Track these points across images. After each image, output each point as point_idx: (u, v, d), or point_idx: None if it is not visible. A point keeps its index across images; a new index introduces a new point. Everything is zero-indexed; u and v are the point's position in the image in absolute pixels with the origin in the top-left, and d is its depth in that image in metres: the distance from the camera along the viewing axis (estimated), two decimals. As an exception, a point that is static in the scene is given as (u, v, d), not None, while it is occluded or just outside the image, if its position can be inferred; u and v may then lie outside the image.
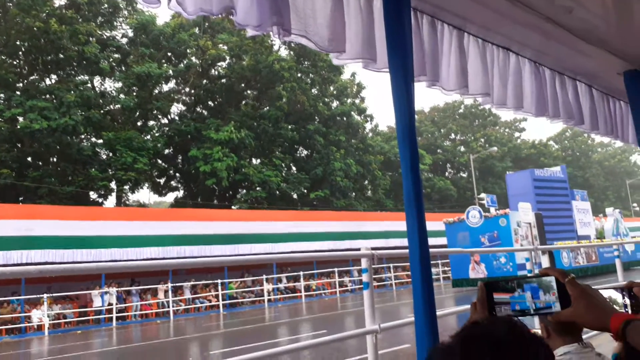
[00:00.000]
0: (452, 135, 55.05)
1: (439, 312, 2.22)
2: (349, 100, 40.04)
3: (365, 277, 3.30)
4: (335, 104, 39.14)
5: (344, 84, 39.43)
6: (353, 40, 2.01)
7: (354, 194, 37.92)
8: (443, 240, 22.00)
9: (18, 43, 27.45)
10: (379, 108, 73.72)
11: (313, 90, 37.29)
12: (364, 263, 3.29)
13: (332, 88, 39.36)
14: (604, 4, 2.36)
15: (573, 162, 57.90)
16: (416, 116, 2.13)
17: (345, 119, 38.45)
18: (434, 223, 19.62)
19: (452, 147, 52.54)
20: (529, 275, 1.01)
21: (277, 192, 32.49)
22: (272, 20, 1.69)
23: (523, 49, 2.72)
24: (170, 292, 19.72)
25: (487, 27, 2.48)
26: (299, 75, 35.85)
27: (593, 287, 0.95)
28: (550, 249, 18.64)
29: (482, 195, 23.94)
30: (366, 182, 40.54)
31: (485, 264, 19.65)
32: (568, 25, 2.47)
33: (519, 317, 0.91)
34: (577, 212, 25.39)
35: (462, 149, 52.89)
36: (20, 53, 28.39)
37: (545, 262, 19.21)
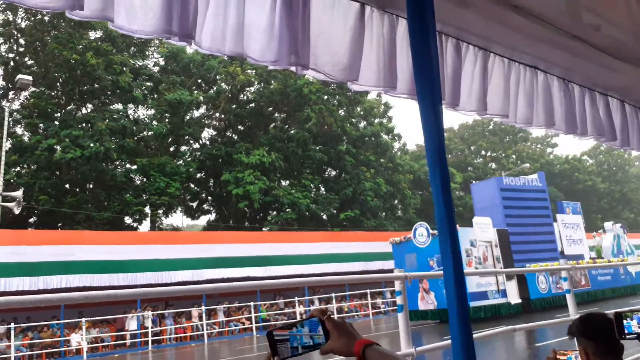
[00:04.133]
0: (483, 152, 54.33)
1: (476, 334, 2.20)
2: (376, 120, 40.12)
3: (399, 300, 3.29)
4: (362, 124, 39.26)
5: (370, 104, 39.58)
6: (373, 68, 2.05)
7: (384, 213, 37.68)
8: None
9: (56, 75, 28.63)
10: (407, 126, 73.59)
11: (340, 112, 37.53)
12: (397, 285, 3.29)
13: (358, 109, 39.54)
14: (632, 19, 2.35)
15: (609, 176, 56.23)
16: (445, 134, 2.15)
17: (373, 139, 38.49)
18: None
19: (483, 165, 51.81)
20: (301, 319, 1.12)
21: (307, 213, 32.55)
22: (289, 59, 1.75)
23: (551, 67, 2.72)
24: (204, 315, 19.83)
25: (513, 47, 2.50)
26: (326, 97, 36.18)
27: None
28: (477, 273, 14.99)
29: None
30: (396, 201, 40.26)
31: (435, 292, 16.29)
32: (596, 42, 2.47)
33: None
34: (564, 228, 21.16)
35: (494, 166, 52.08)
36: (58, 84, 29.57)
37: (511, 289, 16.61)
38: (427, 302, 16.52)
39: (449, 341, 2.22)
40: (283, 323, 1.15)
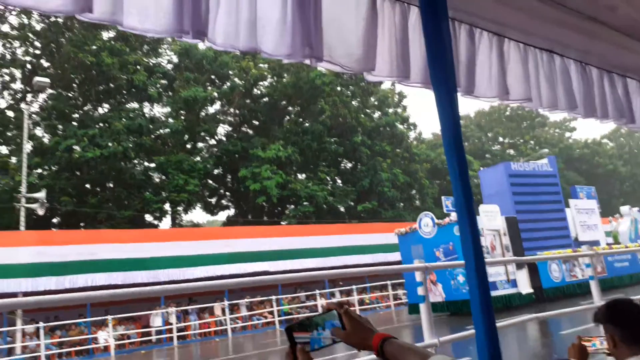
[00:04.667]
0: (500, 139, 53.70)
1: (499, 324, 2.19)
2: (390, 110, 39.89)
3: (420, 291, 3.29)
4: (377, 114, 39.07)
5: (384, 94, 39.35)
6: (386, 58, 2.04)
7: (402, 204, 37.54)
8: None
9: (72, 76, 29.01)
10: (422, 115, 73.02)
11: (354, 103, 37.39)
12: (418, 276, 3.29)
13: (372, 99, 39.34)
14: (650, -2, 2.30)
15: (631, 159, 55.16)
16: (461, 121, 2.13)
17: (389, 129, 38.30)
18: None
19: (501, 151, 51.23)
20: (318, 313, 1.12)
21: (324, 206, 32.60)
22: (303, 51, 1.75)
23: (567, 50, 2.68)
24: (227, 310, 20.03)
25: (528, 31, 2.46)
26: (339, 88, 36.07)
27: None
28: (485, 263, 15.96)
29: (443, 198, 19.61)
30: (414, 191, 40.07)
31: (442, 284, 16.01)
32: (613, 23, 2.42)
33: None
34: (577, 214, 20.19)
35: (512, 152, 51.47)
36: (75, 85, 29.96)
37: (522, 278, 16.12)
38: (435, 294, 16.03)
39: (472, 331, 2.21)
40: (301, 318, 1.16)
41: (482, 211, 16.30)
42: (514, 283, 16.04)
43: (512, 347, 8.88)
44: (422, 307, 3.30)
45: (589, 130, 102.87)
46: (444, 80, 1.89)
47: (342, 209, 34.99)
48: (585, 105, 2.77)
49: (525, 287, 16.31)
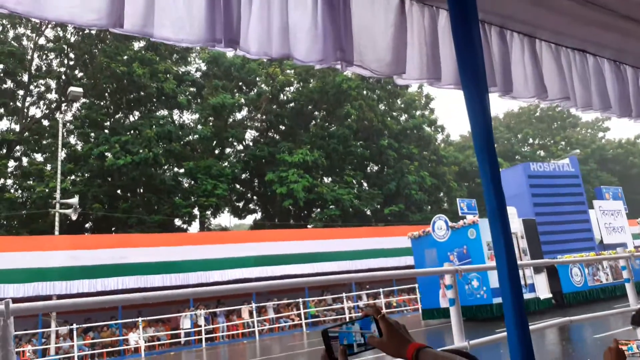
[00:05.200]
0: (530, 140, 52.70)
1: (532, 326, 2.17)
2: (418, 113, 39.63)
3: (450, 294, 3.27)
4: (403, 117, 38.86)
5: (411, 97, 39.12)
6: (416, 61, 2.05)
7: (429, 207, 37.20)
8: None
9: (104, 85, 29.77)
10: (450, 117, 72.27)
11: (380, 106, 37.27)
12: (448, 279, 3.27)
13: (399, 102, 39.15)
14: (687, -6, 2.25)
15: (668, 159, 53.40)
16: (491, 124, 2.12)
17: (416, 131, 38.05)
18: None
19: (531, 153, 50.27)
20: (355, 317, 1.13)
21: (351, 210, 32.55)
22: (335, 55, 1.77)
23: (601, 49, 2.64)
24: (254, 312, 20.18)
25: (560, 32, 2.43)
26: (365, 92, 36.03)
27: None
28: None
29: (458, 200, 19.11)
30: (441, 194, 39.66)
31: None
32: (649, 21, 2.37)
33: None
34: (602, 215, 19.45)
35: (542, 153, 50.44)
36: (106, 94, 30.72)
37: (540, 282, 15.48)
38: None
39: (504, 334, 2.19)
40: (337, 322, 1.16)
41: None
42: (531, 288, 15.56)
43: (544, 351, 8.70)
44: (453, 310, 3.28)
45: (623, 130, 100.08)
46: (475, 82, 1.89)
47: (368, 212, 34.87)
48: (620, 105, 2.72)
49: (543, 292, 15.73)
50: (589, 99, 2.61)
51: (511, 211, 15.90)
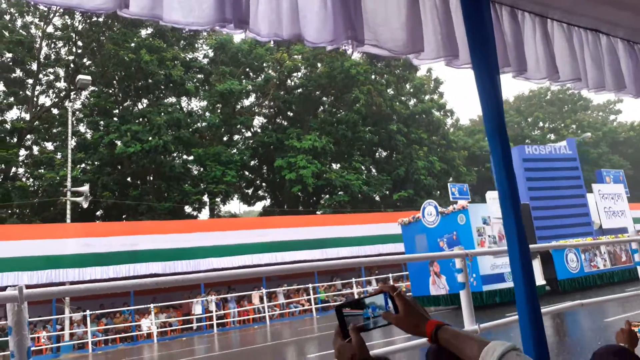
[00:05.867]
0: (540, 124, 52.18)
1: (544, 310, 2.16)
2: (426, 97, 39.34)
3: (460, 277, 3.26)
4: (412, 102, 38.61)
5: (420, 81, 38.80)
6: (432, 40, 2.02)
7: (438, 192, 37.10)
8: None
9: (112, 73, 29.83)
10: (459, 101, 71.75)
11: (389, 91, 37.03)
12: (458, 263, 3.26)
13: (408, 86, 38.86)
14: None
15: (682, 142, 52.65)
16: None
17: (425, 116, 37.81)
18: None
19: (541, 136, 49.82)
20: (368, 293, 1.15)
21: (360, 195, 32.55)
22: (347, 34, 1.74)
23: (614, 28, 2.58)
24: (265, 298, 20.36)
25: (572, 11, 2.38)
26: (374, 77, 35.78)
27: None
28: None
29: (449, 185, 18.54)
30: (451, 179, 39.52)
31: (447, 276, 14.94)
32: (664, -2, 2.31)
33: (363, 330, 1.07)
34: (601, 199, 18.69)
35: (552, 137, 49.97)
36: (115, 82, 30.79)
37: (534, 268, 14.98)
38: (439, 286, 15.20)
39: (515, 317, 2.18)
40: (352, 298, 1.17)
41: (488, 198, 15.22)
42: None
43: (554, 334, 8.71)
44: (462, 293, 3.28)
45: (636, 113, 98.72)
46: (485, 61, 1.86)
47: (377, 198, 34.85)
48: (635, 85, 2.67)
49: (537, 278, 14.94)
50: (602, 79, 2.57)
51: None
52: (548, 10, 2.35)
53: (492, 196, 15.16)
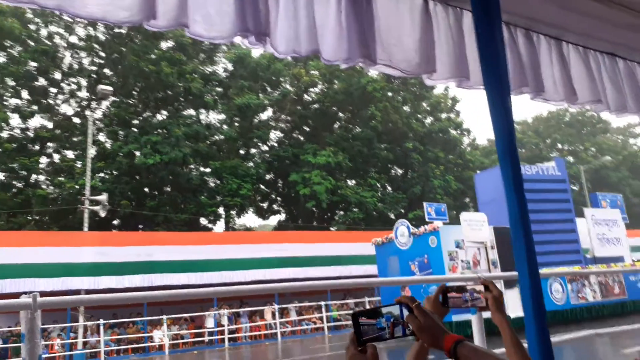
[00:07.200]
0: (559, 146, 51.56)
1: (554, 339, 2.11)
2: (443, 116, 39.23)
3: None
4: (429, 120, 38.52)
5: (437, 99, 38.76)
6: (445, 60, 2.03)
7: (454, 212, 36.76)
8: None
9: (133, 83, 30.36)
10: (476, 120, 71.32)
11: (405, 108, 37.02)
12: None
13: (425, 104, 38.82)
14: None
15: None
16: (518, 127, 2.08)
17: (441, 134, 37.66)
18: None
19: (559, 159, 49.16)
20: (385, 304, 1.12)
21: (374, 213, 32.40)
22: (361, 52, 1.77)
23: (632, 53, 2.56)
24: (277, 314, 20.25)
25: (588, 35, 2.37)
26: (390, 94, 35.84)
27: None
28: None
29: (425, 204, 17.18)
30: (467, 199, 39.15)
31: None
32: (682, 23, 2.29)
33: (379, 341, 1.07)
34: (594, 225, 17.23)
35: (571, 159, 49.30)
36: (135, 92, 31.31)
37: (512, 299, 12.93)
38: None
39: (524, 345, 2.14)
40: (370, 307, 1.17)
41: (463, 220, 14.25)
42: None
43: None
44: (474, 318, 3.23)
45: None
46: (497, 82, 1.86)
47: (392, 216, 34.62)
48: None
49: (514, 309, 13.94)
50: (623, 101, 2.55)
51: (480, 218, 14.66)
52: (563, 34, 2.35)
53: (467, 218, 14.36)
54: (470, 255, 14.21)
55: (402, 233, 15.12)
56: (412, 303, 1.09)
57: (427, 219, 15.68)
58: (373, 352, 1.04)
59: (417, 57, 1.93)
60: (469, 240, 14.15)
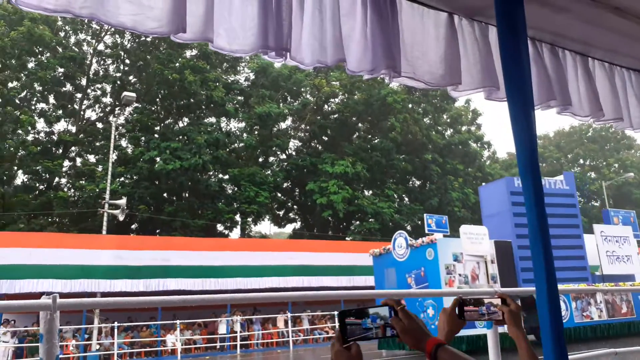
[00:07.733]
0: (581, 161, 50.81)
1: (571, 357, 2.08)
2: (464, 128, 38.99)
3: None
4: (449, 132, 38.31)
5: (457, 112, 38.55)
6: (472, 71, 2.03)
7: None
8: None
9: (156, 91, 30.84)
10: (497, 133, 70.79)
11: (425, 120, 36.90)
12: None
13: (445, 116, 38.65)
14: None
15: None
16: (540, 141, 2.07)
17: (461, 147, 37.41)
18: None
19: (581, 174, 48.41)
20: (374, 305, 1.16)
21: (391, 224, 32.23)
22: (385, 64, 1.78)
23: (658, 69, 2.53)
24: (289, 322, 20.22)
25: (614, 51, 2.36)
26: (410, 105, 35.77)
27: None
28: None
29: (426, 215, 16.82)
30: (485, 212, 38.69)
31: None
32: None
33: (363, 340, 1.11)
34: (604, 242, 16.68)
35: (593, 175, 48.51)
36: (158, 99, 31.79)
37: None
38: None
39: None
40: (357, 308, 1.20)
41: (463, 232, 13.81)
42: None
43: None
44: (489, 333, 3.20)
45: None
46: (520, 97, 1.85)
47: (409, 228, 34.41)
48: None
49: None
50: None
51: (480, 231, 14.24)
52: (589, 49, 2.34)
53: (466, 230, 13.95)
54: (469, 269, 13.85)
55: (400, 244, 14.87)
56: (397, 306, 1.14)
57: (426, 231, 15.29)
58: (357, 350, 1.10)
59: (441, 69, 1.94)
60: (468, 253, 13.78)
